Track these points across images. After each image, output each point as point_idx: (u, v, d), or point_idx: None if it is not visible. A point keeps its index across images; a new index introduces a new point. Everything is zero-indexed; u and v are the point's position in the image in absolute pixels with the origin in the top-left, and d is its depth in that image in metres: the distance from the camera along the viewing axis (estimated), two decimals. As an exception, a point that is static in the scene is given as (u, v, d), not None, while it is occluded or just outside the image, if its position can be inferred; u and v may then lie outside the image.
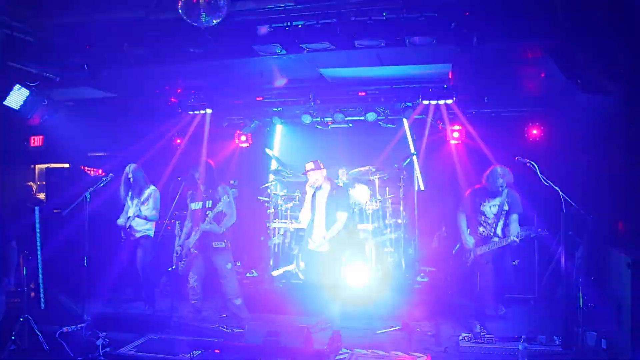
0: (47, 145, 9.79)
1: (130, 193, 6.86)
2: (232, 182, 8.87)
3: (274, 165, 9.12)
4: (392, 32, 4.95)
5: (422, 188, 8.69)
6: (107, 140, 9.05)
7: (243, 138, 9.72)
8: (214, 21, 4.31)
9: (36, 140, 9.97)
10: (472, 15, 4.70)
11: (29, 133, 9.74)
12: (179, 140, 9.41)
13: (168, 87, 8.31)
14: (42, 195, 9.68)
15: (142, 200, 6.75)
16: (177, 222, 7.41)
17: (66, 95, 7.99)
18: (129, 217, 6.76)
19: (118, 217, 6.97)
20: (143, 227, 6.84)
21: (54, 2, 5.48)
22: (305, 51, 5.32)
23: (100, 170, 7.01)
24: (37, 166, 10.91)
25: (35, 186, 9.77)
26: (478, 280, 6.47)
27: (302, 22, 5.17)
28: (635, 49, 4.51)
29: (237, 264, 8.46)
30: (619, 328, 4.23)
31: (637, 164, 4.89)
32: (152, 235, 6.96)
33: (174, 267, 6.90)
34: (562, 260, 5.07)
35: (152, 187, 6.90)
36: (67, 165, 9.37)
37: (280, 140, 10.00)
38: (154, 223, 6.98)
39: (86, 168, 7.25)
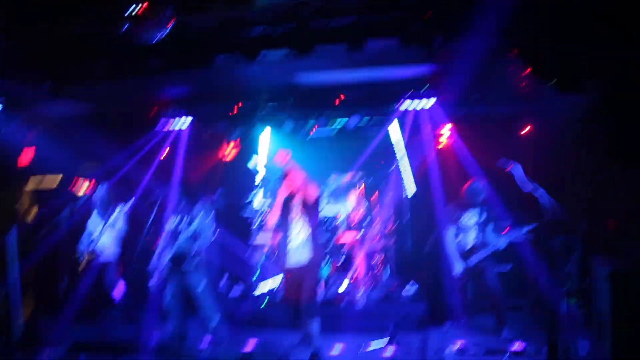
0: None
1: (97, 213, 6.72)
2: (215, 193, 8.64)
3: (258, 179, 8.90)
4: (353, 35, 4.71)
5: (411, 192, 8.44)
6: (84, 158, 8.83)
7: (227, 150, 9.49)
8: (160, 35, 4.10)
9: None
10: (437, 15, 4.46)
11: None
12: (155, 154, 9.14)
13: (144, 99, 8.13)
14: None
15: (112, 220, 6.60)
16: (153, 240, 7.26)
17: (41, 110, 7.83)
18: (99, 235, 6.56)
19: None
20: (108, 251, 6.65)
21: (9, 17, 5.32)
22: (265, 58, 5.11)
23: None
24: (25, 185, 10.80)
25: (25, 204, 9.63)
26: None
27: (261, 29, 4.97)
28: (614, 48, 4.27)
29: (220, 281, 8.21)
30: (600, 345, 3.94)
31: (621, 165, 4.63)
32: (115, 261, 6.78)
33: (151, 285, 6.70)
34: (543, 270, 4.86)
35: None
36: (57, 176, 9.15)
37: (268, 148, 9.75)
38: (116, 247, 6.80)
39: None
